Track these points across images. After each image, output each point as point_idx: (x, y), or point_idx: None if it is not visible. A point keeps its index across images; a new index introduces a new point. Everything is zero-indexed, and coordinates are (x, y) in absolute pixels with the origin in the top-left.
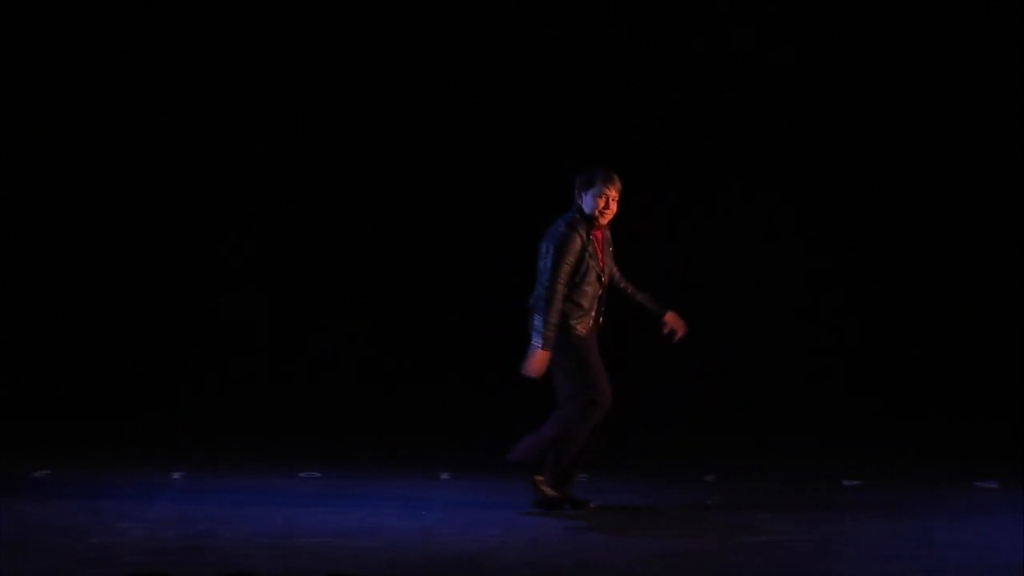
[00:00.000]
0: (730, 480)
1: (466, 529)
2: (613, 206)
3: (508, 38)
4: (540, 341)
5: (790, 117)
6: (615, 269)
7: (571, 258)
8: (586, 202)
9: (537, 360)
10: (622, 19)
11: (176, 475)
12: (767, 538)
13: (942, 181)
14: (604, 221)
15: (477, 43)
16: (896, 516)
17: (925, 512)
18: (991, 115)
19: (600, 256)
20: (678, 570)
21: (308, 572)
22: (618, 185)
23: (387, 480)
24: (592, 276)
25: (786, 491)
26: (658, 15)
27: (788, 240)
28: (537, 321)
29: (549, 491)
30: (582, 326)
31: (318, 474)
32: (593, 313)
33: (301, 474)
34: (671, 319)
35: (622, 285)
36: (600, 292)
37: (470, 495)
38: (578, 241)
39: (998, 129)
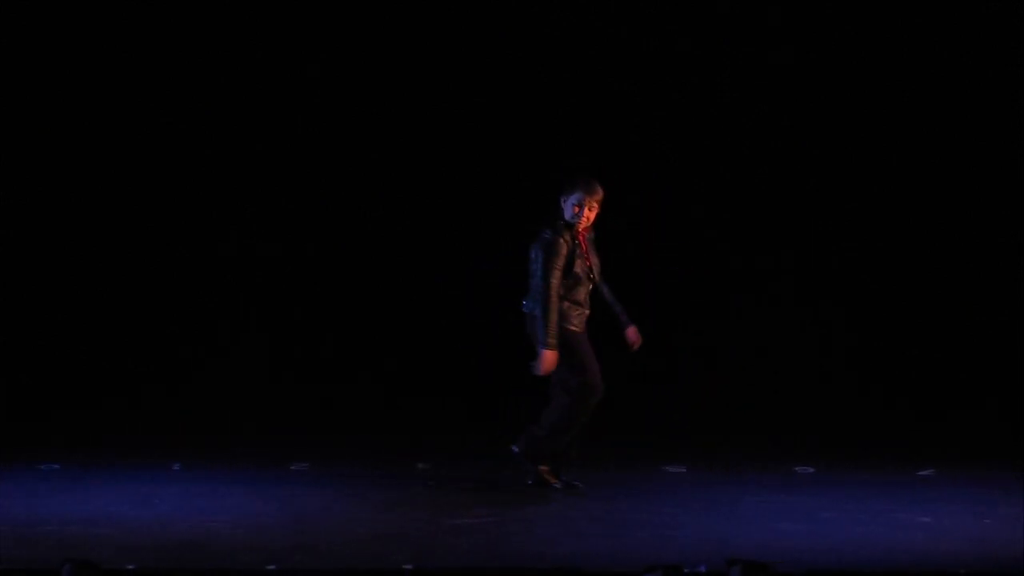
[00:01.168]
0: (444, 465)
1: (197, 516)
2: (590, 213)
3: (506, 40)
4: (546, 342)
5: (790, 117)
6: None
7: (560, 262)
8: (566, 209)
9: (547, 360)
10: (621, 20)
11: None
12: (475, 520)
13: (942, 179)
14: (581, 227)
15: (475, 47)
16: (593, 498)
17: (613, 494)
18: (990, 115)
19: (588, 257)
20: (387, 550)
21: (45, 560)
22: (597, 194)
23: (124, 471)
24: (583, 276)
25: (497, 474)
26: (656, 16)
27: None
28: (540, 325)
29: (553, 479)
30: (576, 324)
31: (57, 466)
32: (587, 311)
33: (41, 466)
34: (632, 333)
35: (604, 289)
36: (591, 289)
37: (203, 485)
38: (564, 246)
39: (998, 127)
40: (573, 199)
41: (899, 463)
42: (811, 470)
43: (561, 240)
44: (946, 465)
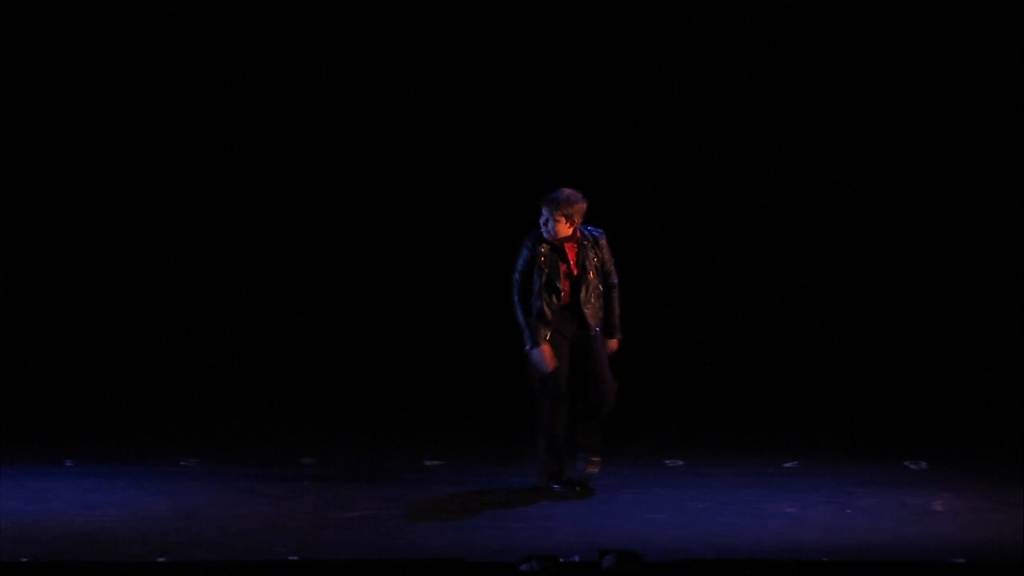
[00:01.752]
0: (327, 460)
1: (90, 511)
2: (559, 226)
3: (506, 48)
4: (527, 343)
5: (783, 114)
6: (591, 276)
7: (520, 265)
8: (541, 220)
9: (536, 358)
10: (621, 24)
11: None
12: (358, 513)
13: (927, 170)
14: (550, 238)
15: (475, 53)
16: (473, 492)
17: (492, 488)
18: (985, 112)
19: (572, 265)
20: (274, 543)
21: None
22: (563, 207)
23: (18, 468)
24: (555, 282)
25: (376, 469)
26: (655, 21)
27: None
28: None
29: (596, 471)
30: (554, 326)
31: None
32: (567, 314)
33: None
34: (612, 344)
35: (604, 295)
36: (577, 294)
37: (95, 480)
38: (525, 252)
39: (991, 123)
40: (543, 213)
41: (765, 455)
42: (680, 463)
43: (525, 248)
44: (809, 457)
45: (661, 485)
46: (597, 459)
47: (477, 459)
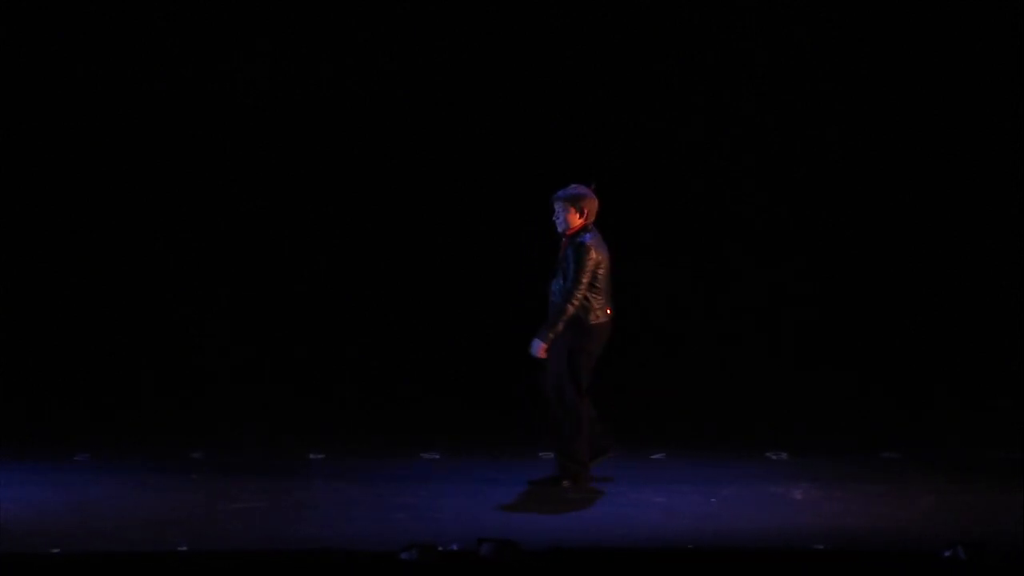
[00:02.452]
0: (217, 453)
1: None
2: (568, 217)
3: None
4: (547, 331)
5: (768, 110)
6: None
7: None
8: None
9: (538, 347)
10: (620, 24)
11: None
12: (246, 505)
13: (903, 167)
14: (560, 231)
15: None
16: (359, 484)
17: (376, 480)
18: (972, 110)
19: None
20: (166, 534)
21: None
22: (553, 204)
23: None
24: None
25: (264, 462)
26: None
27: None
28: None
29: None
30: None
31: None
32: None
33: None
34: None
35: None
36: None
37: None
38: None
39: (980, 121)
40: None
41: (635, 447)
42: (554, 455)
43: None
44: (675, 449)
45: (537, 476)
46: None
47: (362, 452)
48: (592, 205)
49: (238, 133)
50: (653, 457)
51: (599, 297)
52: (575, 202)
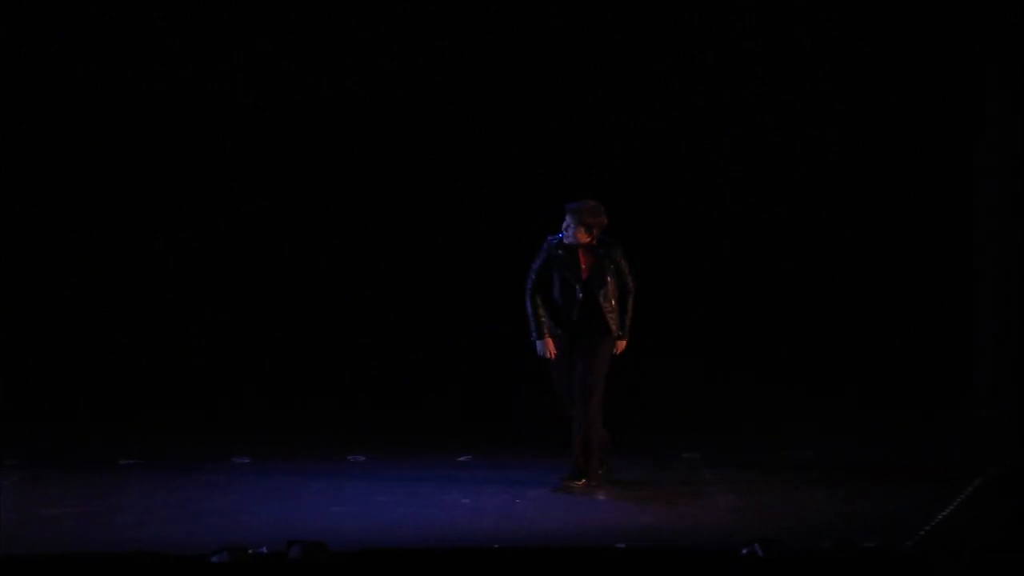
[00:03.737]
0: (31, 459)
1: None
2: (578, 232)
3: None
4: (532, 334)
5: (722, 115)
6: (608, 280)
7: (535, 264)
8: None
9: (540, 349)
10: (621, 24)
11: None
12: (58, 510)
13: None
14: (568, 241)
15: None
16: (171, 488)
17: (191, 484)
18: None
19: (583, 269)
20: None
21: None
22: (584, 216)
23: None
24: (564, 284)
25: (77, 467)
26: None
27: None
28: None
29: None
30: (560, 327)
31: None
32: (574, 318)
33: None
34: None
35: (599, 301)
36: (583, 298)
37: None
38: (542, 253)
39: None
40: (566, 220)
41: (441, 450)
42: (362, 458)
43: (543, 250)
44: (482, 451)
45: (346, 479)
46: (580, 482)
47: (176, 456)
48: (603, 222)
49: (238, 133)
50: (460, 459)
51: None
52: (587, 221)
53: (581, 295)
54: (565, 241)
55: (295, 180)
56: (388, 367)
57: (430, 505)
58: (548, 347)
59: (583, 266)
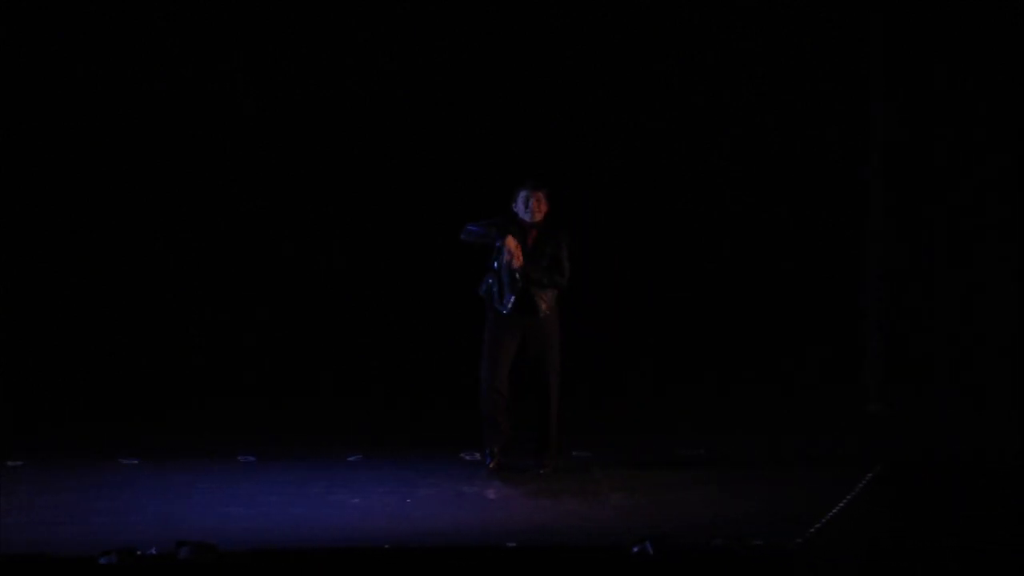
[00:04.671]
0: None
1: None
2: (542, 204)
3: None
4: (496, 240)
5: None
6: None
7: (473, 225)
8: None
9: (507, 250)
10: (625, 23)
11: None
12: None
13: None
14: (531, 220)
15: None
16: (59, 490)
17: (78, 485)
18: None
19: (528, 244)
20: None
21: None
22: (539, 193)
23: None
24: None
25: None
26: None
27: None
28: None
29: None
30: (499, 304)
31: None
32: (513, 295)
33: None
34: None
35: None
36: (515, 280)
37: None
38: (486, 223)
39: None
40: (521, 196)
41: (330, 449)
42: (253, 458)
43: (494, 222)
44: (371, 450)
45: (235, 479)
46: (548, 462)
47: (61, 458)
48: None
49: (238, 133)
50: (349, 459)
51: None
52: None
53: (519, 274)
54: (527, 220)
55: (295, 180)
56: (387, 367)
57: (320, 505)
58: (512, 245)
59: (530, 244)
